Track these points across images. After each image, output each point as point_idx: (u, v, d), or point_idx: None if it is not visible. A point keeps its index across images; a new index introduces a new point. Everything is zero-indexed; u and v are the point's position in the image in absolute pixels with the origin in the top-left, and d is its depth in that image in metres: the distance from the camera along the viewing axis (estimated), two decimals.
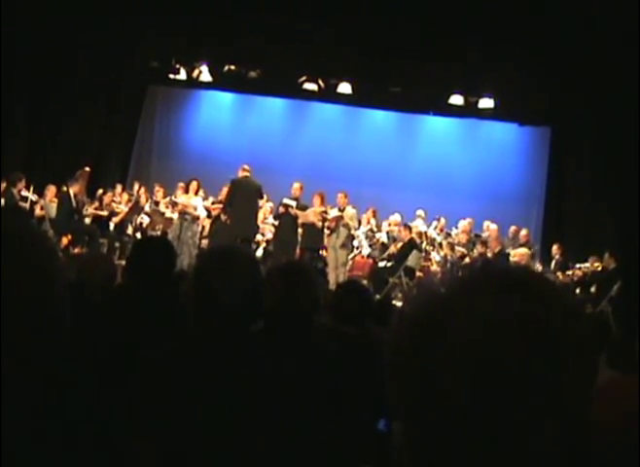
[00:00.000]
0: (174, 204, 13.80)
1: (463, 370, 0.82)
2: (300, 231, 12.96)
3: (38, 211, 13.48)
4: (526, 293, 0.86)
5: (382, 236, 14.08)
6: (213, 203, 13.49)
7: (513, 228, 14.62)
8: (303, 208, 12.67)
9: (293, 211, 12.58)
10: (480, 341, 0.82)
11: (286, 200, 12.81)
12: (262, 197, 13.03)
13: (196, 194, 13.24)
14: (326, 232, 13.06)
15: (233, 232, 12.29)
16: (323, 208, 12.80)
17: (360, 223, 14.00)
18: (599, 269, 12.59)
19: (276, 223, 13.26)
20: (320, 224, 12.69)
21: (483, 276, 0.92)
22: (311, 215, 12.63)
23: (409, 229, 13.27)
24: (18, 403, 1.03)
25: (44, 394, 1.16)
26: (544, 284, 0.91)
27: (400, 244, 13.17)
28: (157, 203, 14.61)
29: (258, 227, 13.46)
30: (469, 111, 15.43)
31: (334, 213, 12.86)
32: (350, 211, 13.05)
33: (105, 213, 14.23)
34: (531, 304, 0.85)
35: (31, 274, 0.99)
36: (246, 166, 12.75)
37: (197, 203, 13.08)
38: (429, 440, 0.87)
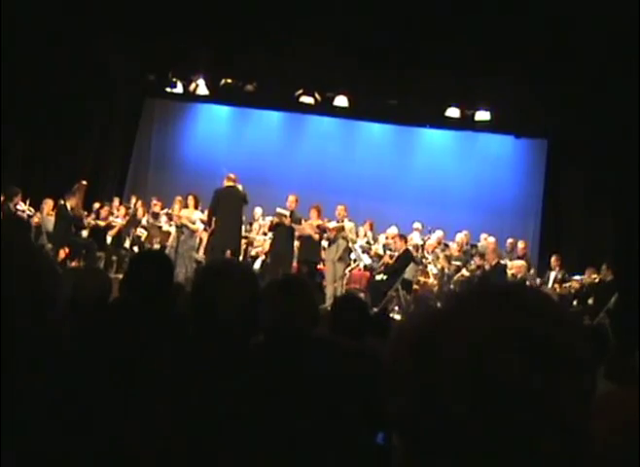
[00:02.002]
0: (170, 217, 13.81)
1: (461, 384, 0.83)
2: (296, 244, 12.94)
3: (35, 225, 13.48)
4: (523, 308, 0.87)
5: (379, 248, 14.07)
6: (209, 216, 13.46)
7: (509, 240, 14.62)
8: (298, 221, 12.64)
9: (287, 221, 12.53)
10: (477, 357, 0.83)
11: (279, 210, 12.78)
12: (246, 203, 12.84)
13: (196, 208, 13.23)
14: (324, 244, 13.05)
15: (221, 243, 12.23)
16: (320, 221, 12.78)
17: (357, 235, 13.98)
18: (596, 280, 12.60)
19: (271, 236, 13.24)
20: (317, 236, 12.66)
21: (480, 292, 0.92)
22: (307, 228, 12.61)
23: (405, 239, 13.23)
24: (18, 412, 1.03)
25: (41, 403, 1.15)
26: (540, 298, 0.91)
27: (395, 255, 13.14)
28: (155, 216, 14.60)
29: (241, 237, 13.43)
30: (465, 123, 15.47)
31: (333, 225, 12.83)
32: (349, 224, 13.04)
33: (102, 223, 14.23)
34: (528, 318, 0.85)
35: (29, 285, 0.99)
36: (232, 175, 12.62)
37: (197, 217, 13.07)
38: (427, 453, 0.87)
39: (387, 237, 14.42)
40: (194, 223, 12.97)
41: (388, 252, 13.57)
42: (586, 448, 0.88)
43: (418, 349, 0.87)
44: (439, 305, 0.91)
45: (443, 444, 0.84)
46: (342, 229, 12.74)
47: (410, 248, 13.16)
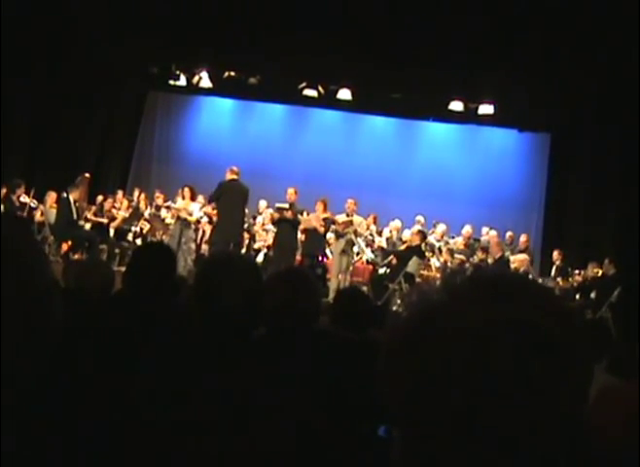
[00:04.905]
0: (169, 209, 13.81)
1: (457, 375, 0.83)
2: (301, 237, 12.93)
3: (38, 217, 13.49)
4: (516, 297, 0.87)
5: (382, 242, 14.07)
6: (213, 209, 13.44)
7: (509, 233, 14.64)
8: (300, 213, 12.64)
9: (288, 214, 12.50)
10: (473, 347, 0.83)
11: (279, 204, 12.76)
12: (246, 201, 12.71)
13: (192, 199, 13.16)
14: (331, 236, 13.05)
15: (223, 236, 12.21)
16: (326, 214, 12.76)
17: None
18: (599, 274, 12.58)
19: (275, 229, 13.22)
20: (322, 229, 12.65)
21: (473, 282, 0.93)
22: (314, 220, 12.60)
23: (424, 236, 13.18)
24: (11, 407, 1.02)
25: (41, 399, 1.16)
26: (532, 288, 0.91)
27: (405, 246, 13.17)
28: (158, 209, 14.60)
29: (243, 230, 13.40)
30: (469, 117, 15.45)
31: (342, 218, 12.82)
32: (358, 218, 13.01)
33: (105, 220, 14.25)
34: (522, 308, 0.86)
35: (16, 277, 0.99)
36: (235, 168, 12.49)
37: (194, 209, 13.03)
38: (425, 445, 0.87)
39: (390, 231, 14.43)
40: (191, 214, 12.93)
41: (398, 243, 13.67)
42: (581, 434, 0.88)
43: (413, 341, 0.88)
44: (436, 296, 0.91)
45: (440, 434, 0.84)
46: (351, 223, 12.73)
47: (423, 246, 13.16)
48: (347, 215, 12.87)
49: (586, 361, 0.89)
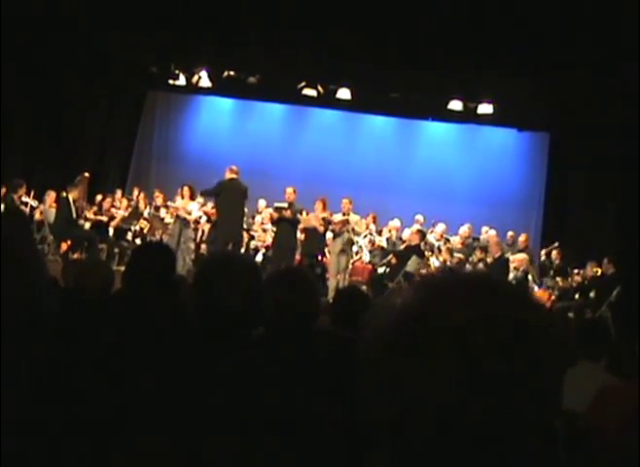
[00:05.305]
0: (168, 208, 13.82)
1: (444, 371, 0.83)
2: (301, 236, 12.94)
3: (37, 217, 13.49)
4: (497, 294, 0.88)
5: (382, 241, 14.07)
6: (213, 208, 13.46)
7: (510, 233, 14.63)
8: (299, 212, 12.65)
9: (287, 213, 12.50)
10: (460, 343, 0.83)
11: (277, 204, 12.76)
12: (245, 198, 12.73)
13: (192, 198, 13.18)
14: (329, 236, 13.05)
15: (223, 235, 12.21)
16: (325, 214, 12.76)
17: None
18: (598, 274, 12.59)
19: (274, 229, 13.22)
20: (322, 229, 12.65)
21: (452, 281, 0.93)
22: (313, 219, 12.61)
23: (423, 235, 13.20)
24: (11, 407, 1.02)
25: (40, 399, 1.15)
26: (510, 285, 0.93)
27: (404, 246, 13.19)
28: (157, 209, 14.60)
29: (243, 230, 13.40)
30: (468, 116, 15.43)
31: (338, 218, 12.81)
32: (355, 217, 13.02)
33: (104, 218, 14.25)
34: (504, 304, 0.87)
35: (12, 276, 0.99)
36: (234, 167, 12.54)
37: (193, 208, 13.04)
38: (409, 447, 0.87)
39: (390, 230, 14.42)
40: (189, 213, 12.94)
41: (398, 243, 13.68)
42: (588, 437, 0.89)
43: (397, 342, 0.88)
44: (418, 295, 0.92)
45: (428, 434, 0.85)
46: (347, 222, 12.72)
47: (422, 245, 13.17)
48: (343, 214, 12.86)
49: (566, 348, 0.90)
